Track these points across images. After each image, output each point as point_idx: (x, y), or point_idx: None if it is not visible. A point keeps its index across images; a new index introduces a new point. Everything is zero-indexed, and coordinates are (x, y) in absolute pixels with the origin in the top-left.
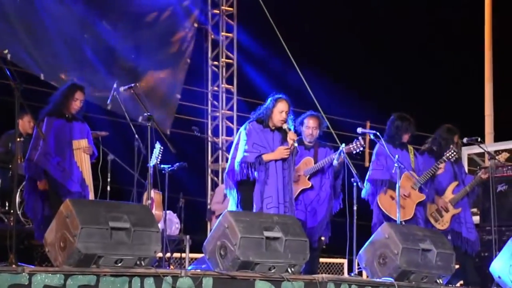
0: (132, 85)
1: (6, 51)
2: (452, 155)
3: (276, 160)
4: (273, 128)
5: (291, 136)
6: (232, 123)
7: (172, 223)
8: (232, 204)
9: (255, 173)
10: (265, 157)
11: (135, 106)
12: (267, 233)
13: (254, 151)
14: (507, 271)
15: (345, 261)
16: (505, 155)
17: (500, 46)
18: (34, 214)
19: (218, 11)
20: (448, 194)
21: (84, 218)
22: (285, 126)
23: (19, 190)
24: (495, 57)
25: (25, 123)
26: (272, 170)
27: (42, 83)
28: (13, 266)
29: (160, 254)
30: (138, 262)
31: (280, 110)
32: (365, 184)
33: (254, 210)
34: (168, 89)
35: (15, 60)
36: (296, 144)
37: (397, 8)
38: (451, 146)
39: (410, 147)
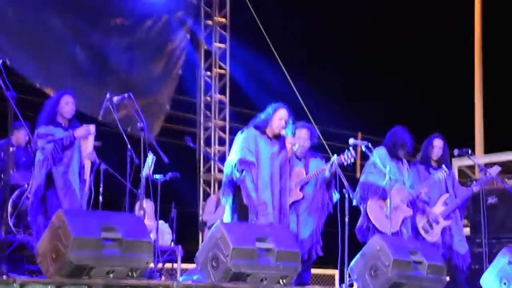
0: (126, 95)
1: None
2: (442, 175)
3: (272, 168)
4: (271, 135)
5: (290, 141)
6: (225, 133)
7: (164, 234)
8: (227, 212)
9: (242, 174)
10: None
11: (126, 117)
12: (259, 244)
13: (243, 155)
14: (497, 285)
15: (336, 273)
16: (497, 168)
17: (490, 58)
18: (38, 228)
19: (211, 22)
20: (439, 206)
21: (76, 229)
22: (283, 132)
23: (10, 199)
24: (485, 69)
25: (21, 136)
26: (265, 177)
27: (40, 93)
28: (4, 277)
29: (152, 265)
30: (130, 273)
31: (279, 117)
32: (356, 189)
33: (250, 216)
34: (157, 98)
35: (14, 67)
36: (295, 149)
37: (388, 20)
38: (443, 165)
39: (405, 161)
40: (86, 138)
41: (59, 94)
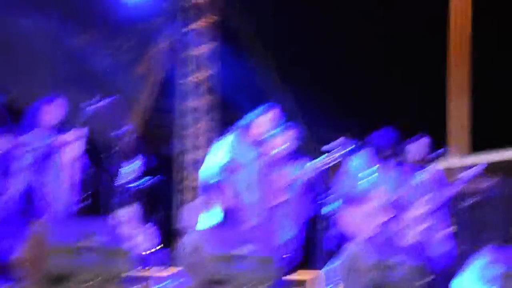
0: (108, 100)
1: None
2: (424, 177)
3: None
4: (253, 139)
5: (272, 144)
6: (204, 139)
7: (145, 240)
8: (207, 216)
9: (226, 181)
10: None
11: (108, 122)
12: (237, 250)
13: (225, 159)
14: (477, 285)
15: (315, 276)
16: (480, 168)
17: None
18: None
19: (192, 27)
20: (420, 207)
21: (54, 237)
22: (266, 135)
23: None
24: (471, 68)
25: None
26: (249, 181)
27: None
28: None
29: (131, 272)
30: (109, 280)
31: (262, 122)
32: (333, 195)
33: (233, 222)
34: (136, 104)
35: None
36: (276, 152)
37: (371, 21)
38: (427, 167)
39: (387, 162)
40: (71, 144)
41: (45, 100)
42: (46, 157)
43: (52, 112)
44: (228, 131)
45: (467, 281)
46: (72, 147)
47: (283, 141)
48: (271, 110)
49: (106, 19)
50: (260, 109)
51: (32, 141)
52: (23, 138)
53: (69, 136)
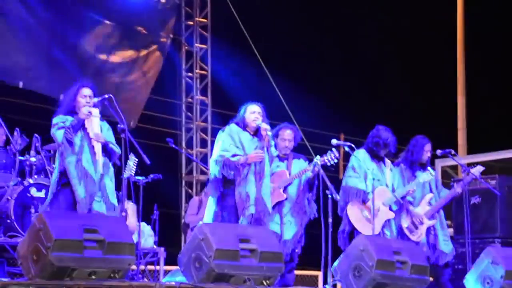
0: (106, 96)
1: None
2: (429, 177)
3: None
4: (251, 132)
5: (264, 127)
6: (207, 134)
7: (147, 235)
8: (211, 210)
9: (231, 173)
10: (240, 160)
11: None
12: (242, 245)
13: (230, 150)
14: (480, 285)
15: (320, 273)
16: (480, 168)
17: (472, 59)
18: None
19: (192, 23)
20: (423, 206)
21: (58, 230)
22: (258, 122)
23: None
24: (467, 70)
25: None
26: (251, 171)
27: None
28: None
29: (134, 267)
30: (112, 275)
31: (251, 111)
32: (339, 193)
33: (238, 213)
34: (136, 99)
35: None
36: (270, 133)
37: (371, 20)
38: (428, 168)
39: (388, 161)
40: (89, 119)
41: (78, 87)
42: (77, 128)
43: (86, 98)
44: (228, 124)
45: (470, 279)
46: (94, 122)
47: (283, 138)
48: (257, 103)
49: (108, 12)
50: (246, 104)
51: (63, 120)
52: (56, 119)
53: (88, 109)
